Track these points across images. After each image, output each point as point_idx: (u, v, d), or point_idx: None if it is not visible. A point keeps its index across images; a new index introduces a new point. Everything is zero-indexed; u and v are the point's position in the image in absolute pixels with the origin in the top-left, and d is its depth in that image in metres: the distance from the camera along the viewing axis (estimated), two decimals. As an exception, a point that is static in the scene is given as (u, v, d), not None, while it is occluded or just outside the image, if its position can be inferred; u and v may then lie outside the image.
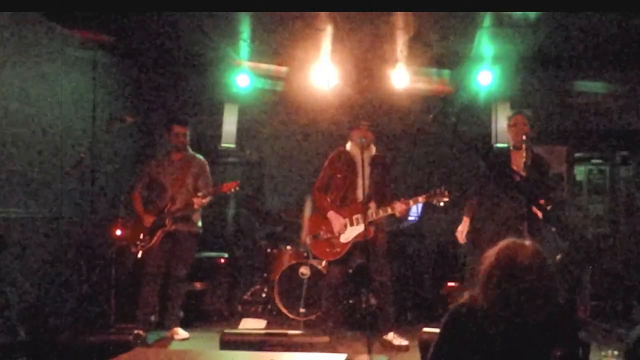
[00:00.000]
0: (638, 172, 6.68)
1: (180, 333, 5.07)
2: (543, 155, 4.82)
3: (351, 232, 4.86)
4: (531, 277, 2.06)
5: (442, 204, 4.72)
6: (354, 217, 4.85)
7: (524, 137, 4.46)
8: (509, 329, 2.05)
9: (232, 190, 5.05)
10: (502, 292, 2.07)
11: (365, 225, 4.53)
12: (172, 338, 5.01)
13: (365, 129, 4.87)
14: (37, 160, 4.98)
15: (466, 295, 2.20)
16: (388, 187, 5.04)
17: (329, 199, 4.99)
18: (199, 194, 5.05)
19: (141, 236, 5.02)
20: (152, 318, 5.10)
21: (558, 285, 2.17)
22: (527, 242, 2.19)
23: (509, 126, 4.69)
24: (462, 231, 4.78)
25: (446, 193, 4.67)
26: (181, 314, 5.27)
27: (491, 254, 2.19)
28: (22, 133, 4.81)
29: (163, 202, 5.12)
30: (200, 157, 5.37)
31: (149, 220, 5.06)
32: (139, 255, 5.00)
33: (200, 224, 5.27)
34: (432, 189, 4.74)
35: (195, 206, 5.03)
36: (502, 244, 2.20)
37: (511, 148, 4.72)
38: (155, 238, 5.01)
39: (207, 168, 5.34)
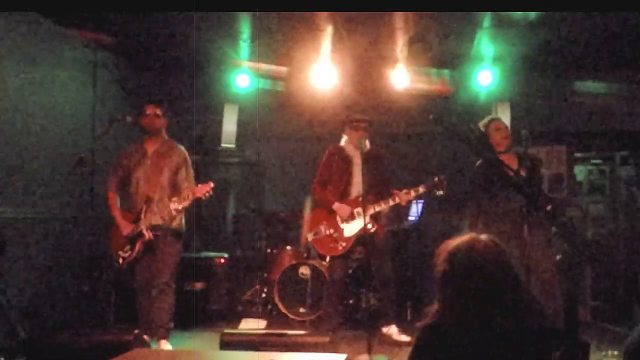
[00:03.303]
0: (638, 172, 6.68)
1: (166, 348, 4.60)
2: (535, 155, 4.86)
3: (354, 226, 4.88)
4: (493, 275, 1.82)
5: (442, 192, 4.74)
6: (355, 211, 4.87)
7: (508, 141, 4.54)
8: (485, 341, 1.79)
9: (206, 194, 4.47)
10: (463, 301, 1.81)
11: (364, 219, 4.55)
12: None
13: (363, 130, 4.90)
14: (37, 160, 4.97)
15: (431, 311, 1.94)
16: (386, 181, 5.05)
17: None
18: (174, 199, 4.51)
19: (123, 247, 4.58)
20: (136, 330, 4.66)
21: (525, 284, 1.93)
22: (483, 236, 1.93)
23: (492, 134, 4.65)
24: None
25: (445, 182, 4.70)
26: (171, 325, 4.76)
27: (442, 256, 1.94)
28: (22, 133, 4.81)
29: (138, 204, 4.62)
30: (181, 147, 4.80)
31: (126, 229, 4.57)
32: (124, 267, 4.61)
33: (183, 222, 4.73)
34: (430, 179, 4.77)
35: (173, 213, 4.52)
36: (453, 242, 1.94)
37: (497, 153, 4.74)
38: (136, 249, 4.54)
39: (189, 159, 4.78)
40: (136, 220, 4.58)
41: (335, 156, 5.06)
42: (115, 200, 4.71)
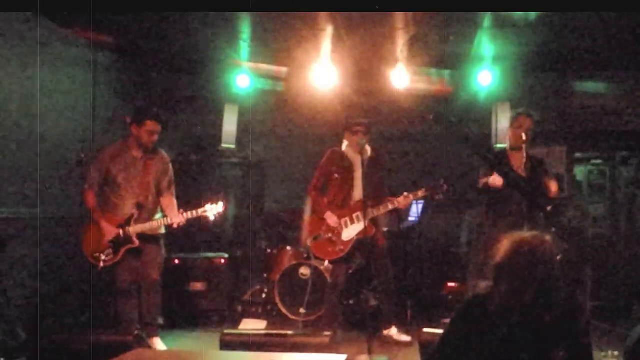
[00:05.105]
0: (638, 172, 6.68)
1: (159, 346, 4.66)
2: (542, 157, 4.84)
3: (352, 230, 4.89)
4: (548, 272, 2.04)
5: (441, 196, 4.74)
6: (354, 214, 4.89)
7: (523, 138, 4.47)
8: (517, 326, 2.02)
9: (217, 215, 4.59)
10: (519, 286, 2.02)
11: (365, 223, 4.56)
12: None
13: (362, 134, 4.90)
14: (37, 160, 4.97)
15: (482, 285, 2.17)
16: (384, 185, 5.06)
17: (326, 200, 5.03)
18: (183, 213, 4.54)
19: (103, 250, 4.50)
20: (136, 331, 4.57)
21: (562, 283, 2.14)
22: (547, 237, 2.16)
23: (513, 126, 4.66)
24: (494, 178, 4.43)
25: (444, 186, 4.70)
26: (160, 321, 4.83)
27: (507, 245, 2.13)
28: (22, 133, 4.81)
29: (126, 207, 4.59)
30: (162, 151, 4.82)
31: (111, 232, 4.52)
32: (100, 268, 4.51)
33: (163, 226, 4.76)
34: (430, 183, 4.76)
35: (175, 226, 4.55)
36: (519, 236, 2.15)
37: (508, 149, 4.72)
38: (120, 254, 4.52)
39: (170, 165, 4.82)
40: (123, 225, 4.55)
41: (335, 161, 5.06)
42: (95, 201, 4.62)
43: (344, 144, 5.08)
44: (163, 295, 4.89)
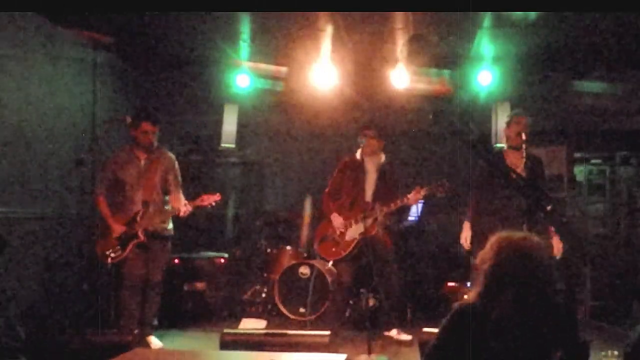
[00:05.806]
0: (638, 172, 6.67)
1: (154, 343, 4.78)
2: (539, 156, 4.85)
3: (356, 230, 4.94)
4: (545, 276, 1.92)
5: (443, 193, 4.78)
6: (359, 215, 4.92)
7: (524, 137, 4.50)
8: (514, 332, 1.93)
9: (213, 203, 4.74)
10: (515, 294, 1.91)
11: (364, 222, 4.60)
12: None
13: (368, 137, 4.95)
14: (37, 160, 4.97)
15: (471, 294, 2.05)
16: (394, 194, 5.08)
17: (338, 204, 5.14)
18: (186, 203, 4.71)
19: (112, 247, 4.64)
20: (136, 330, 4.67)
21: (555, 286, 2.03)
22: (536, 238, 2.02)
23: (511, 125, 4.69)
24: (465, 237, 4.79)
25: (447, 184, 4.73)
26: (155, 322, 4.94)
27: (495, 247, 2.00)
28: (22, 133, 4.81)
29: (134, 206, 4.74)
30: (169, 152, 4.98)
31: (118, 229, 4.67)
32: (110, 266, 4.63)
33: (171, 226, 4.92)
34: (432, 182, 4.82)
35: (181, 214, 4.68)
36: (509, 239, 2.01)
37: (506, 148, 4.75)
38: (128, 250, 4.66)
39: (176, 163, 4.97)
40: (130, 223, 4.68)
41: (346, 169, 5.16)
42: (105, 204, 4.78)
43: (358, 153, 5.18)
44: (163, 295, 4.94)
